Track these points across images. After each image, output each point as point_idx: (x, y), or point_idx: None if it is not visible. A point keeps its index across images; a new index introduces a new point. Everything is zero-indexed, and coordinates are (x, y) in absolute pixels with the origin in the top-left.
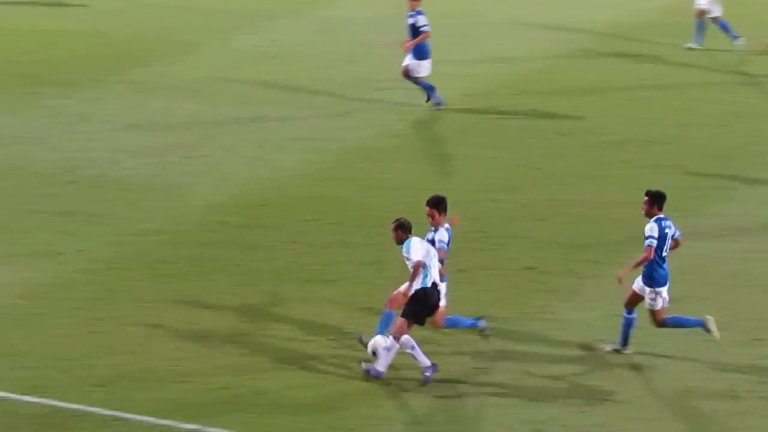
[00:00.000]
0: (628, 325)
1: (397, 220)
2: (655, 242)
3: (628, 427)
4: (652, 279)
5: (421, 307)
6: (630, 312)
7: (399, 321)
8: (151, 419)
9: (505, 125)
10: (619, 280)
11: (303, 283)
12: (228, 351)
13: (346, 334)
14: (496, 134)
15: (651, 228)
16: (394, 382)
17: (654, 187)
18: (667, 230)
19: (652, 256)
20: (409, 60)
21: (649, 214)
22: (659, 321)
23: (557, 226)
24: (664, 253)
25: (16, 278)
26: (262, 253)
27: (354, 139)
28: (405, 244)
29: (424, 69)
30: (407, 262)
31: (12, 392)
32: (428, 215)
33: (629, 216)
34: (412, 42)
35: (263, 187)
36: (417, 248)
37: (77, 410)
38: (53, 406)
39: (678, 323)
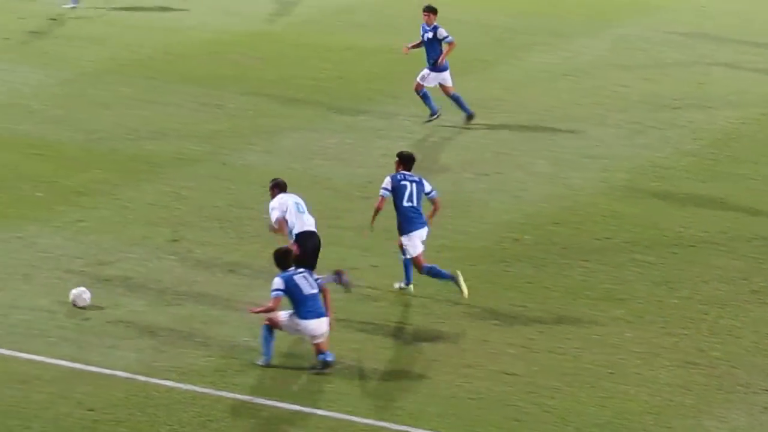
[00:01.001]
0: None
1: (274, 179)
2: (387, 193)
3: None
4: (401, 227)
5: (300, 255)
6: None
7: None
8: None
9: None
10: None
11: (594, 301)
12: (517, 368)
13: (635, 354)
14: None
15: (385, 181)
16: (684, 402)
17: None
18: (405, 182)
19: (381, 206)
20: (427, 73)
21: (396, 171)
22: (419, 267)
23: None
24: (407, 204)
25: None
26: (554, 270)
27: (647, 157)
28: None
29: (431, 80)
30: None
31: (306, 406)
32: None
33: None
34: (443, 55)
35: (556, 205)
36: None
37: (370, 425)
38: (346, 420)
39: (434, 274)
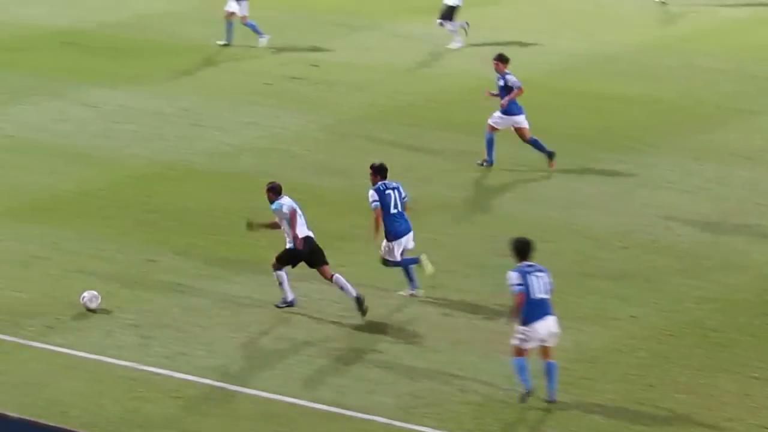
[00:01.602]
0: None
1: (270, 183)
2: (378, 204)
3: None
4: (387, 233)
5: (290, 256)
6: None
7: (273, 260)
8: None
9: None
10: (375, 239)
11: None
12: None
13: None
14: None
15: (371, 194)
16: None
17: None
18: (388, 191)
19: (380, 216)
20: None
21: (374, 182)
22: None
23: None
24: (393, 211)
25: (567, 342)
26: None
27: None
28: (274, 205)
29: (502, 124)
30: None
31: None
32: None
33: None
34: (507, 98)
35: None
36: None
37: None
38: None
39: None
